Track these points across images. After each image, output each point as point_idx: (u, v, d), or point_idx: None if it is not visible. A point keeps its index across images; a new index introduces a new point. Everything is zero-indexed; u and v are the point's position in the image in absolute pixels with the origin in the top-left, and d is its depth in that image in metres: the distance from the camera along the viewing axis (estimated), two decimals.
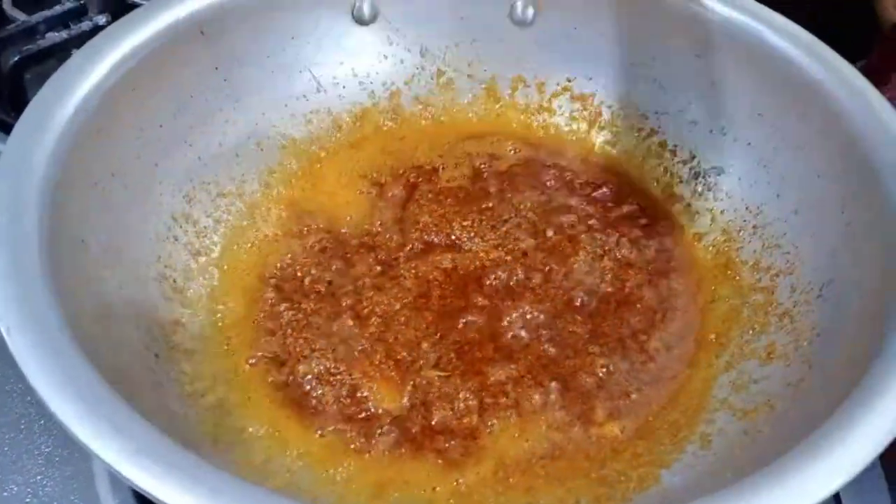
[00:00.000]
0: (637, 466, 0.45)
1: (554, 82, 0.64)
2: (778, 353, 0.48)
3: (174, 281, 0.50)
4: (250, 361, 0.49)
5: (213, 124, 0.56)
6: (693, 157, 0.60)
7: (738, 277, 0.54)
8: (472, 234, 0.56)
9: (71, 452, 0.48)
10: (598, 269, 0.55)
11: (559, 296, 0.53)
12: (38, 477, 0.47)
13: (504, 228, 0.57)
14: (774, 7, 0.57)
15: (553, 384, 0.48)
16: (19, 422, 0.49)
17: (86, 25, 0.69)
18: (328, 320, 0.51)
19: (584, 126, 0.64)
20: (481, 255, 0.55)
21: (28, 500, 0.46)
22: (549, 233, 0.57)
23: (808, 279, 0.50)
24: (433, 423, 0.46)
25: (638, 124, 0.62)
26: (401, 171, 0.60)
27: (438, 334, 0.50)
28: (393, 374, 0.48)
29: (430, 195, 0.59)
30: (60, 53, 0.67)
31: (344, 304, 0.51)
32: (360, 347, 0.49)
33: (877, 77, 0.53)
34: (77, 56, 0.49)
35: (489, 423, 0.47)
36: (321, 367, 0.48)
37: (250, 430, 0.45)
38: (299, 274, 0.53)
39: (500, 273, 0.54)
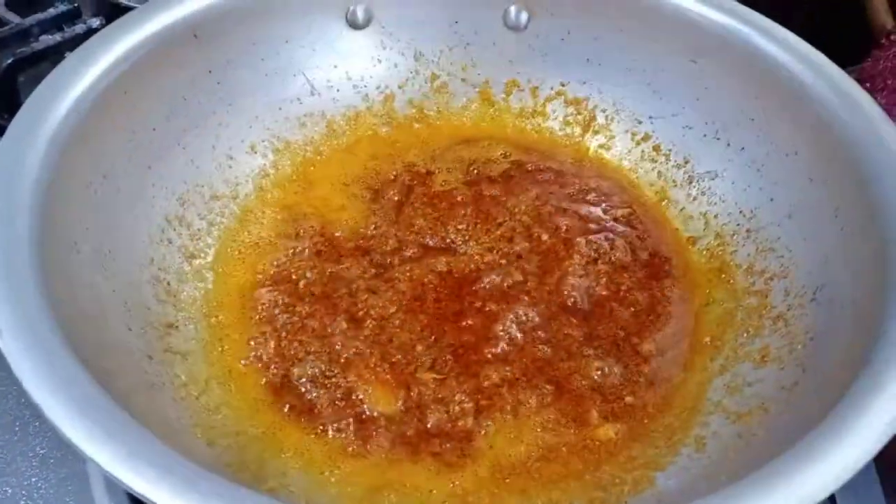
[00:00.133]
0: (632, 469, 0.45)
1: (548, 86, 0.65)
2: (772, 357, 0.48)
3: (168, 283, 0.50)
4: (244, 364, 0.49)
5: (207, 127, 0.56)
6: (687, 162, 0.60)
7: (732, 281, 0.54)
8: (467, 238, 0.56)
9: (65, 454, 0.48)
10: (592, 273, 0.55)
11: (553, 299, 0.53)
12: (33, 479, 0.47)
13: (498, 232, 0.57)
14: (768, 13, 0.58)
15: (548, 387, 0.48)
16: (14, 424, 0.49)
17: (79, 28, 0.69)
18: (323, 323, 0.50)
19: (578, 130, 0.64)
20: (476, 258, 0.55)
21: (22, 502, 0.46)
22: (544, 236, 0.57)
23: (801, 283, 0.50)
24: (428, 425, 0.46)
25: (632, 128, 0.63)
26: (395, 175, 0.60)
27: (433, 337, 0.50)
28: (388, 376, 0.48)
29: (424, 198, 0.59)
30: (54, 56, 0.67)
31: (339, 306, 0.51)
32: (354, 350, 0.49)
33: (871, 83, 0.53)
34: (70, 59, 0.49)
35: (484, 426, 0.47)
36: (316, 370, 0.48)
37: (244, 432, 0.45)
38: (294, 277, 0.53)
39: (494, 276, 0.54)
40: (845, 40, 0.60)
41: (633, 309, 0.53)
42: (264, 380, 0.48)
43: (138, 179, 0.51)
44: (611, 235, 0.57)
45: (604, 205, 0.59)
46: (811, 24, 0.58)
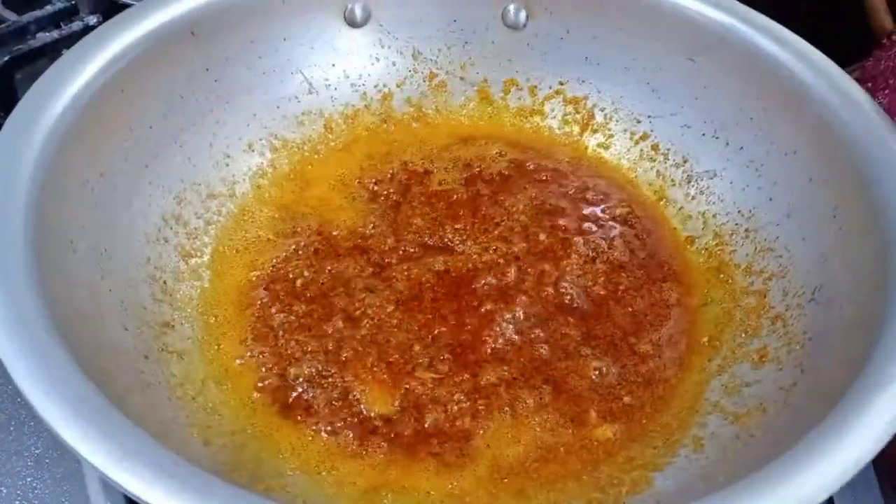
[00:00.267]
0: (630, 470, 0.45)
1: (546, 85, 0.64)
2: (770, 357, 0.48)
3: (164, 282, 0.50)
4: (241, 363, 0.49)
5: (204, 125, 0.56)
6: (685, 161, 0.60)
7: (730, 281, 0.54)
8: (465, 237, 0.56)
9: (61, 454, 0.48)
10: (590, 272, 0.55)
11: (551, 298, 0.53)
12: (29, 479, 0.47)
13: (496, 231, 0.57)
14: (767, 12, 0.57)
15: (545, 387, 0.48)
16: (9, 423, 0.49)
17: (76, 26, 0.69)
18: (320, 322, 0.50)
19: (576, 129, 0.64)
20: (474, 257, 0.55)
21: (18, 502, 0.46)
22: (542, 235, 0.57)
23: (800, 283, 0.50)
24: (426, 425, 0.46)
25: (630, 128, 0.63)
26: (393, 174, 0.60)
27: (431, 336, 0.50)
28: (385, 376, 0.48)
29: (422, 198, 0.59)
30: (51, 53, 0.67)
31: (336, 306, 0.51)
32: (352, 350, 0.49)
33: (873, 83, 0.53)
34: (67, 56, 0.49)
35: (482, 426, 0.46)
36: (313, 370, 0.48)
37: (241, 432, 0.45)
38: (291, 276, 0.53)
39: (492, 276, 0.54)
40: (845, 40, 0.60)
41: (630, 309, 0.53)
42: (261, 379, 0.48)
43: (135, 178, 0.51)
44: (609, 235, 0.57)
45: (602, 204, 0.59)
46: (811, 23, 0.58)
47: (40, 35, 0.68)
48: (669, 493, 0.42)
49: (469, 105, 0.65)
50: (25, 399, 0.33)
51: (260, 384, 0.48)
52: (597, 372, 0.50)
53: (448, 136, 0.64)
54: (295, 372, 0.48)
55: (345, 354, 0.49)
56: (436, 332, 0.50)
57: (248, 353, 0.49)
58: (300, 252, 0.54)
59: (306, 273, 0.53)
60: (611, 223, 0.58)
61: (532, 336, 0.51)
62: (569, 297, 0.53)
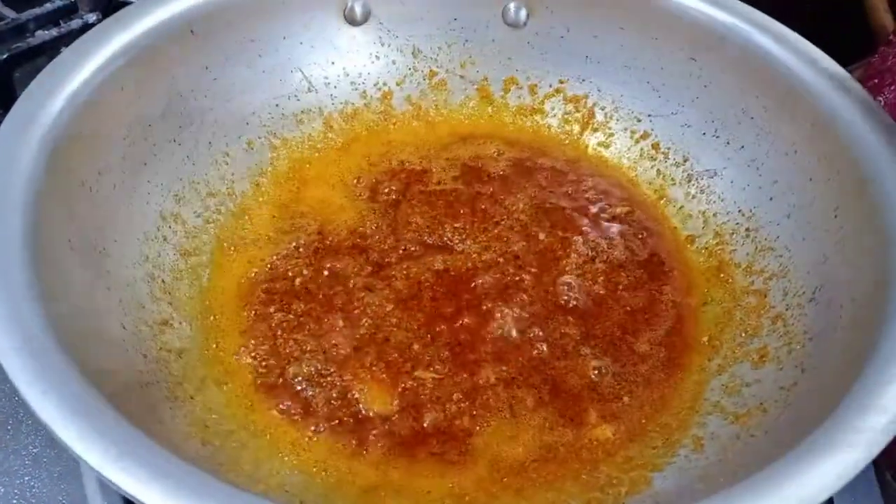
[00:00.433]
0: (629, 470, 0.44)
1: (546, 84, 0.64)
2: (770, 357, 0.48)
3: (163, 281, 0.50)
4: (240, 362, 0.48)
5: (203, 124, 0.56)
6: (686, 160, 0.60)
7: (730, 280, 0.54)
8: (464, 236, 0.56)
9: (59, 453, 0.48)
10: (589, 272, 0.55)
11: (550, 298, 0.53)
12: (26, 478, 0.47)
13: (496, 230, 0.57)
14: (768, 11, 0.57)
15: (545, 386, 0.48)
16: (7, 422, 0.49)
17: (76, 23, 0.69)
18: (319, 321, 0.50)
19: (576, 128, 0.64)
20: (473, 256, 0.55)
21: (15, 501, 0.46)
22: (541, 235, 0.56)
23: (800, 283, 0.50)
24: (424, 424, 0.46)
25: (631, 127, 0.62)
26: (392, 172, 0.60)
27: (430, 336, 0.50)
28: (384, 375, 0.48)
29: (421, 196, 0.58)
30: (50, 51, 0.66)
31: (335, 305, 0.51)
32: (350, 349, 0.49)
33: (879, 79, 0.53)
34: (66, 54, 0.49)
35: (481, 426, 0.46)
36: (312, 369, 0.48)
37: (239, 432, 0.45)
38: (290, 275, 0.53)
39: (491, 275, 0.53)
40: (846, 40, 0.59)
41: (630, 308, 0.53)
42: (259, 378, 0.48)
43: (133, 176, 0.50)
44: (609, 234, 0.57)
45: (602, 203, 0.59)
46: (812, 23, 0.58)
47: (39, 33, 0.68)
48: (669, 494, 0.42)
49: (469, 104, 0.65)
50: (22, 398, 0.33)
51: (259, 383, 0.48)
52: (596, 371, 0.49)
53: (448, 134, 0.63)
54: (294, 371, 0.48)
55: (344, 353, 0.49)
56: (435, 331, 0.50)
57: (247, 352, 0.49)
58: (299, 251, 0.54)
59: (305, 272, 0.53)
60: (610, 222, 0.58)
61: (531, 335, 0.51)
62: (568, 297, 0.53)
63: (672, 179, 0.60)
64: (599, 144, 0.63)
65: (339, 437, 0.45)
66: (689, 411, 0.47)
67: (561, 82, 0.64)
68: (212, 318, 0.50)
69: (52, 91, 0.46)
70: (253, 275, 0.53)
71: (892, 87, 0.52)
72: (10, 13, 0.68)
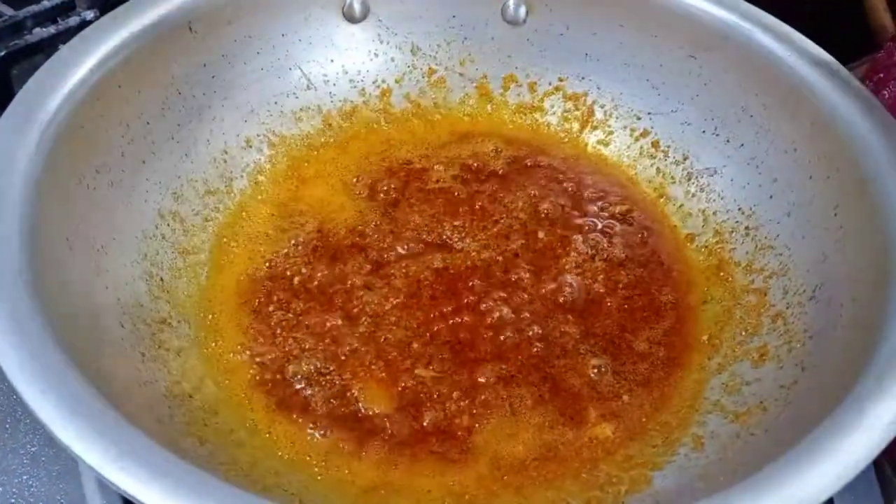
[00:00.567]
0: (629, 468, 0.44)
1: (546, 81, 0.64)
2: (770, 355, 0.48)
3: (161, 279, 0.49)
4: (239, 361, 0.48)
5: (202, 121, 0.56)
6: (685, 158, 0.60)
7: (730, 279, 0.54)
8: (463, 234, 0.56)
9: (57, 452, 0.47)
10: (589, 270, 0.55)
11: (550, 296, 0.53)
12: (24, 477, 0.47)
13: (495, 229, 0.57)
14: (768, 11, 0.57)
15: (544, 385, 0.48)
16: (5, 420, 0.49)
17: (73, 21, 0.68)
18: (318, 320, 0.50)
19: (576, 126, 0.64)
20: (472, 255, 0.55)
21: (13, 500, 0.46)
22: (541, 233, 0.56)
23: (800, 281, 0.50)
24: (424, 423, 0.46)
25: (631, 124, 0.62)
26: (391, 170, 0.60)
27: (429, 334, 0.50)
28: (383, 374, 0.48)
29: (420, 194, 0.58)
30: (48, 49, 0.66)
31: (334, 303, 0.51)
32: (350, 347, 0.49)
33: (885, 73, 0.54)
34: (63, 51, 0.49)
35: (480, 424, 0.46)
36: (311, 367, 0.48)
37: (238, 431, 0.45)
38: (289, 273, 0.53)
39: (490, 273, 0.53)
40: (845, 39, 0.59)
41: (629, 306, 0.53)
42: (258, 377, 0.48)
43: (132, 174, 0.50)
44: (608, 232, 0.57)
45: (601, 201, 0.59)
46: (811, 22, 0.58)
47: (37, 30, 0.67)
48: (669, 492, 0.42)
49: (468, 101, 0.65)
50: (21, 397, 0.33)
51: (257, 382, 0.47)
52: (595, 370, 0.49)
53: (447, 132, 0.63)
54: (293, 370, 0.48)
55: (343, 352, 0.49)
56: (434, 329, 0.50)
57: (246, 351, 0.49)
58: (298, 249, 0.54)
59: (304, 270, 0.53)
60: (610, 221, 0.58)
61: (530, 334, 0.51)
62: (567, 295, 0.53)
63: (672, 178, 0.60)
64: (599, 142, 0.63)
65: (339, 435, 0.45)
66: (689, 410, 0.47)
67: (560, 80, 0.64)
68: (210, 316, 0.50)
69: (49, 88, 0.46)
70: (252, 273, 0.53)
71: (895, 84, 0.52)
72: (8, 10, 0.68)
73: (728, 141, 0.58)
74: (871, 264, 0.45)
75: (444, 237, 0.56)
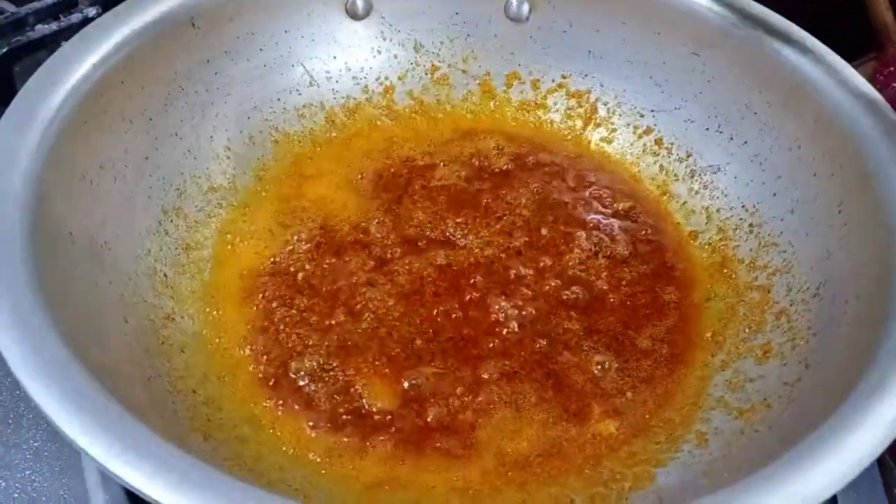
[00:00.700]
0: (632, 465, 0.44)
1: (549, 79, 0.64)
2: (774, 352, 0.48)
3: (165, 275, 0.49)
4: (242, 357, 0.48)
5: (204, 118, 0.55)
6: (689, 156, 0.60)
7: (733, 276, 0.54)
8: (467, 231, 0.56)
9: (60, 447, 0.47)
10: (592, 267, 0.55)
11: (553, 293, 0.53)
12: (27, 472, 0.47)
13: (498, 225, 0.56)
14: (770, 7, 0.57)
15: (548, 381, 0.48)
16: (7, 416, 0.49)
17: (76, 18, 0.68)
18: (321, 316, 0.50)
19: (579, 123, 0.64)
20: (475, 251, 0.55)
21: (16, 495, 0.46)
22: (544, 230, 0.56)
23: (804, 278, 0.50)
24: (428, 419, 0.46)
25: (634, 122, 0.62)
26: (394, 167, 0.60)
27: (432, 330, 0.50)
28: (387, 370, 0.48)
29: (423, 191, 0.58)
30: (50, 45, 0.66)
31: (337, 299, 0.51)
32: (353, 344, 0.49)
33: (892, 71, 0.54)
34: (66, 47, 0.49)
35: (484, 420, 0.46)
36: (314, 364, 0.48)
37: (242, 426, 0.45)
38: (292, 269, 0.53)
39: (494, 270, 0.53)
40: (846, 37, 0.59)
41: (633, 304, 0.53)
42: (262, 373, 0.48)
43: (135, 170, 0.50)
44: (611, 230, 0.57)
45: (605, 199, 0.59)
46: (812, 20, 0.58)
47: (39, 27, 0.67)
48: (672, 489, 0.42)
49: (471, 98, 0.65)
50: (26, 392, 0.33)
51: (261, 378, 0.47)
52: (599, 366, 0.49)
53: (450, 129, 0.63)
54: (296, 366, 0.48)
55: (346, 348, 0.49)
56: (437, 326, 0.50)
57: (250, 347, 0.49)
58: (301, 245, 0.54)
59: (308, 266, 0.53)
60: (613, 218, 0.58)
61: (533, 330, 0.51)
62: (570, 292, 0.53)
63: (675, 175, 0.60)
64: (602, 140, 0.63)
65: (342, 431, 0.45)
66: (693, 407, 0.47)
67: (563, 77, 0.64)
68: (214, 312, 0.50)
69: (52, 85, 0.46)
70: (255, 269, 0.53)
71: None
72: (10, 7, 0.68)
73: (731, 138, 0.58)
74: (875, 261, 0.45)
75: (448, 234, 0.56)
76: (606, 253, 0.55)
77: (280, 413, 0.46)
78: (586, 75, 0.63)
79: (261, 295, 0.51)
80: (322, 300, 0.51)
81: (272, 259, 0.53)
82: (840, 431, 0.35)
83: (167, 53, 0.53)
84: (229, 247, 0.53)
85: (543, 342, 0.50)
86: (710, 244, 0.56)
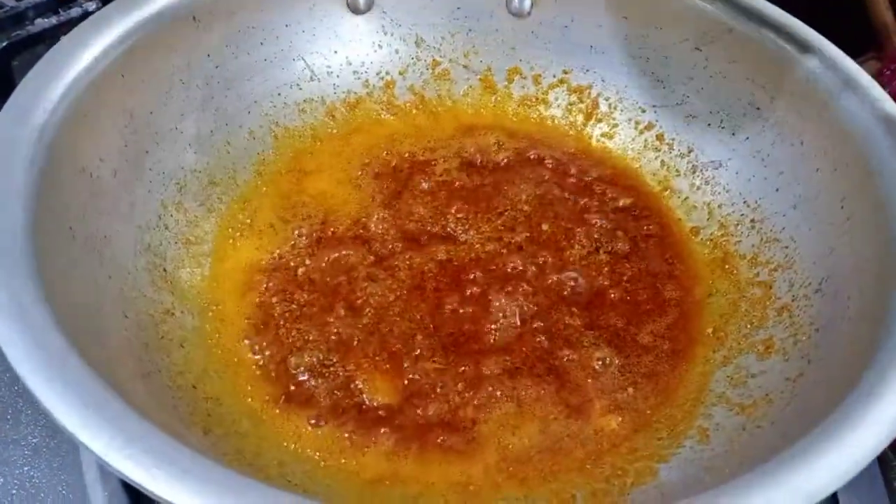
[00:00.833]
0: (634, 461, 0.44)
1: (550, 74, 0.64)
2: (776, 348, 0.47)
3: (164, 270, 0.49)
4: (242, 352, 0.48)
5: (205, 112, 0.55)
6: (690, 151, 0.60)
7: (735, 272, 0.54)
8: (467, 227, 0.56)
9: (59, 443, 0.47)
10: (593, 263, 0.55)
11: (554, 288, 0.53)
12: (26, 468, 0.47)
13: (499, 221, 0.56)
14: (774, 1, 0.57)
15: (548, 377, 0.48)
16: (6, 412, 0.49)
17: (75, 12, 0.68)
18: (322, 312, 0.50)
19: (580, 118, 0.64)
20: (476, 247, 0.54)
21: (14, 491, 0.46)
22: (545, 225, 0.56)
23: (806, 274, 0.50)
24: (428, 415, 0.46)
25: (635, 117, 0.62)
26: (395, 162, 0.60)
27: (433, 326, 0.50)
28: (387, 366, 0.48)
29: (424, 186, 0.58)
30: (50, 39, 0.66)
31: (337, 295, 0.51)
32: (353, 339, 0.49)
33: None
34: (66, 40, 0.48)
35: (485, 416, 0.46)
36: (314, 359, 0.48)
37: (241, 421, 0.45)
38: (292, 264, 0.52)
39: (494, 265, 0.53)
40: (846, 36, 0.59)
41: (633, 299, 0.53)
42: (262, 368, 0.47)
43: (135, 164, 0.50)
44: (612, 225, 0.57)
45: (606, 194, 0.59)
46: (812, 19, 0.58)
47: (38, 21, 0.67)
48: (674, 485, 0.42)
49: (472, 93, 0.64)
50: (26, 387, 0.33)
51: (261, 373, 0.47)
52: (600, 362, 0.49)
53: (451, 124, 0.63)
54: (296, 361, 0.47)
55: (346, 344, 0.48)
56: (438, 321, 0.50)
57: (249, 342, 0.48)
58: (302, 240, 0.54)
59: (308, 261, 0.53)
60: (614, 214, 0.58)
61: (534, 326, 0.50)
62: (571, 288, 0.53)
63: (677, 170, 0.60)
64: (603, 135, 0.63)
65: (343, 427, 0.45)
66: (695, 402, 0.47)
67: (565, 72, 0.64)
68: (214, 307, 0.50)
69: (51, 79, 0.46)
70: (255, 264, 0.52)
71: None
72: (10, 1, 0.68)
73: (733, 134, 0.58)
74: (878, 257, 0.45)
75: (449, 229, 0.56)
76: (607, 249, 0.55)
77: (280, 408, 0.46)
78: (588, 70, 0.63)
79: (261, 290, 0.51)
80: (322, 295, 0.51)
81: (272, 254, 0.53)
82: (842, 427, 0.35)
83: (167, 47, 0.53)
84: (229, 241, 0.53)
85: (544, 338, 0.50)
86: (711, 240, 0.56)
